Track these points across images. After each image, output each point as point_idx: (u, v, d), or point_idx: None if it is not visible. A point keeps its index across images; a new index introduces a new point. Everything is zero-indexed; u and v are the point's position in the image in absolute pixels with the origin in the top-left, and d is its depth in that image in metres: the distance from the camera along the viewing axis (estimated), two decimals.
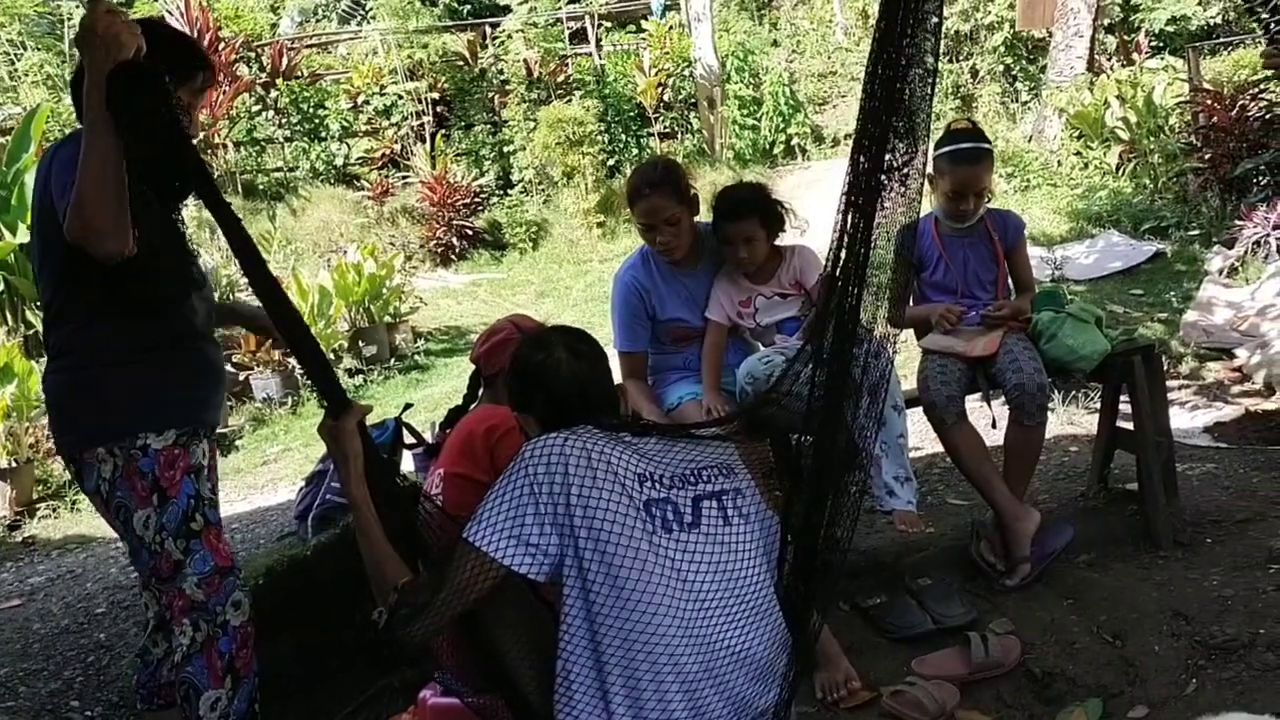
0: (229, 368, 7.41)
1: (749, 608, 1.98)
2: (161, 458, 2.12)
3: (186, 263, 2.25)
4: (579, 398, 2.09)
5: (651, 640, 1.88)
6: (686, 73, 13.70)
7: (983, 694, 2.94)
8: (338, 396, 2.10)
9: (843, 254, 2.06)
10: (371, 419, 2.19)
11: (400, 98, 13.39)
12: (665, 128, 13.77)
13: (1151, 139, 10.02)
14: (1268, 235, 7.30)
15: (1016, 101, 12.85)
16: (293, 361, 8.08)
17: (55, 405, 2.19)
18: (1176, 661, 2.86)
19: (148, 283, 2.13)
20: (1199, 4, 12.82)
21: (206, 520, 2.17)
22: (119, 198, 2.00)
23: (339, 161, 13.29)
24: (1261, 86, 9.16)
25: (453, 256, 12.00)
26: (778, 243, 3.30)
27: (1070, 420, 5.37)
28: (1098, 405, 4.64)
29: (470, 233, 12.16)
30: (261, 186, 12.51)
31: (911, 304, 3.62)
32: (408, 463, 3.63)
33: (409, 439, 3.84)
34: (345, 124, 13.49)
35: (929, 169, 3.32)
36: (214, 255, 9.40)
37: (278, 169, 12.96)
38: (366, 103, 13.44)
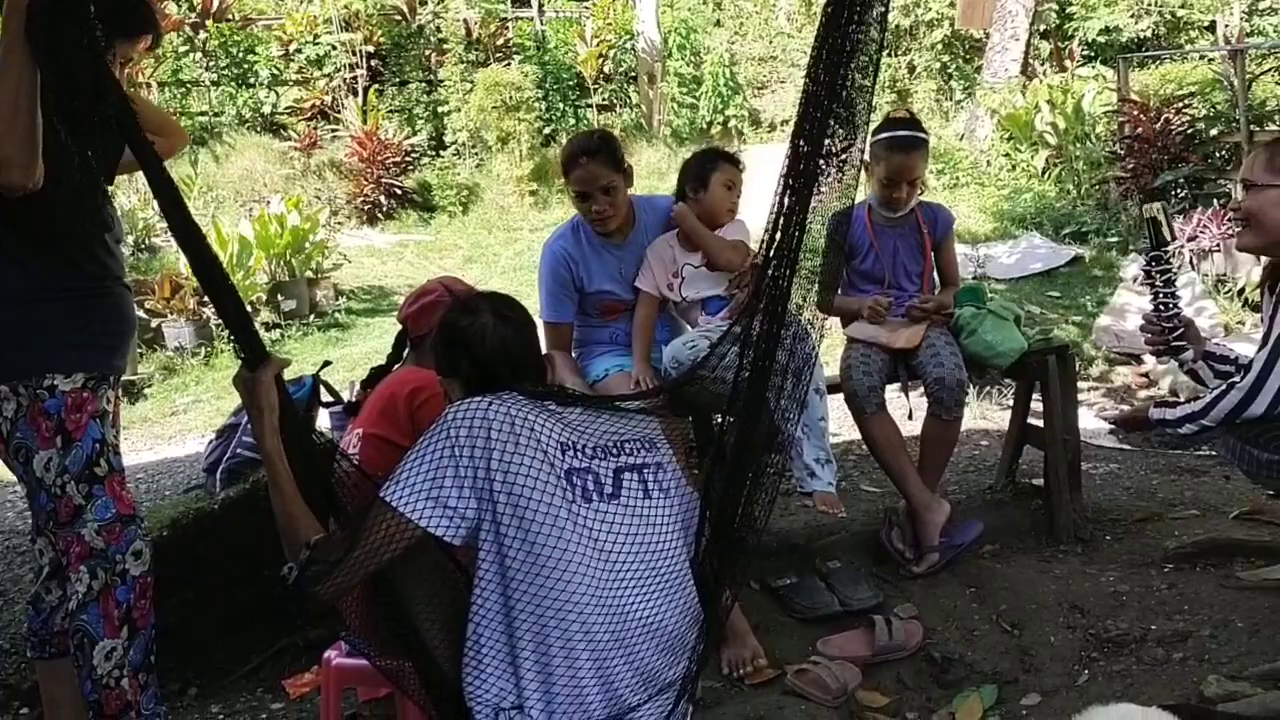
0: (140, 314, 7.20)
1: (663, 581, 1.99)
2: (69, 400, 2.05)
3: (100, 203, 2.17)
4: (504, 364, 2.07)
5: (564, 608, 1.88)
6: (628, 45, 13.62)
7: (883, 675, 3.00)
8: (255, 348, 2.05)
9: (777, 236, 2.06)
10: (289, 374, 2.14)
11: (334, 48, 13.07)
12: (604, 99, 13.68)
13: (1078, 145, 10.24)
14: (1182, 247, 7.53)
15: (950, 100, 13.03)
16: (207, 311, 7.88)
17: None
18: (1070, 652, 2.95)
19: (58, 221, 2.06)
20: (1131, 16, 13.11)
21: (110, 466, 2.11)
22: (29, 128, 1.92)
23: (266, 110, 12.93)
24: (1185, 101, 9.43)
25: (379, 215, 11.79)
26: None
27: (983, 415, 5.50)
28: (1010, 402, 4.76)
29: (399, 192, 11.96)
30: (185, 130, 12.15)
31: (840, 292, 3.65)
32: (324, 421, 3.57)
33: (326, 397, 3.78)
34: (275, 71, 13.14)
35: (866, 156, 3.35)
36: (130, 197, 9.12)
37: (202, 113, 12.58)
38: (299, 51, 13.09)
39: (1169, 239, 2.98)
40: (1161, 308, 3.04)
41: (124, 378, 2.30)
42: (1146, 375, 6.28)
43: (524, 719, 1.90)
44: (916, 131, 3.53)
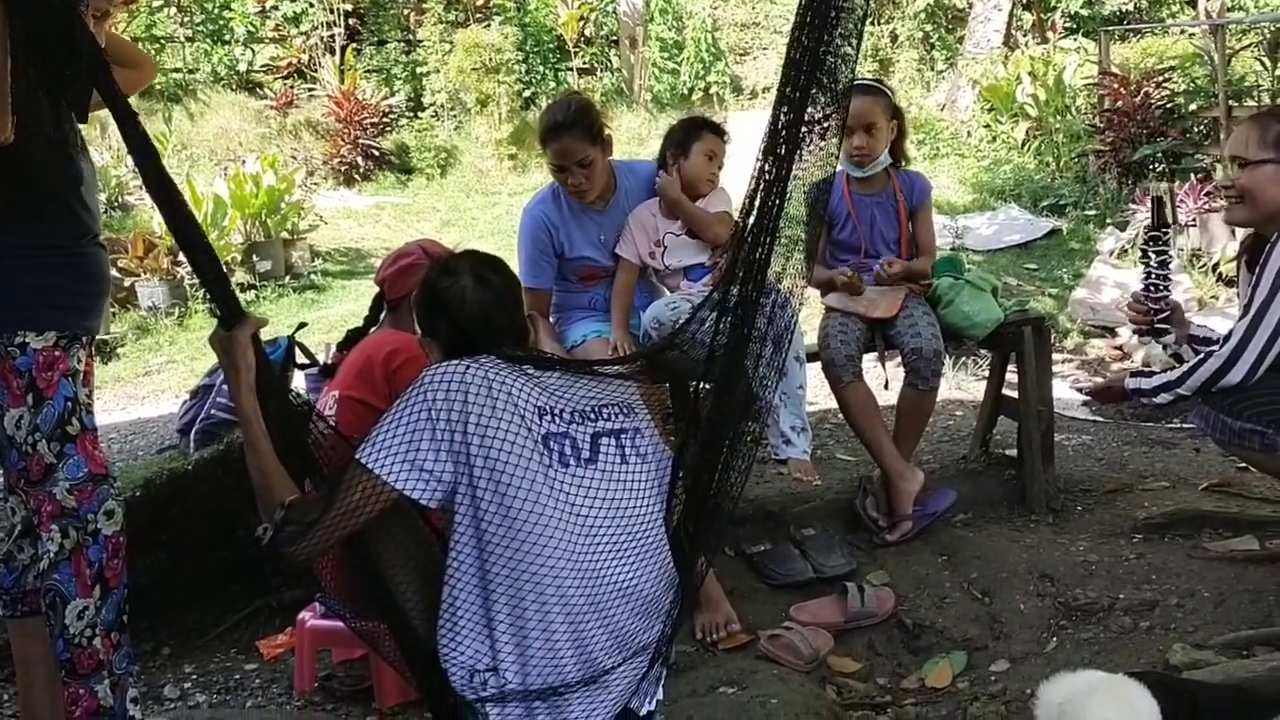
0: (114, 273, 7.12)
1: (639, 545, 2.00)
2: (40, 358, 2.02)
3: (73, 158, 2.13)
4: (483, 327, 2.06)
5: (540, 572, 1.89)
6: (610, 9, 13.49)
7: (855, 642, 3.03)
8: (232, 307, 2.03)
9: (757, 202, 2.06)
10: (264, 335, 2.12)
11: (311, 6, 12.88)
12: (584, 63, 13.55)
13: (1058, 118, 10.25)
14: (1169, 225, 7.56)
15: (932, 70, 12.98)
16: (181, 270, 7.80)
17: None
18: (1039, 620, 2.99)
19: (31, 176, 2.02)
20: None
21: (83, 425, 2.09)
22: (0, 80, 1.89)
23: (242, 67, 12.75)
24: (1165, 76, 9.45)
25: (356, 176, 11.67)
26: None
27: (958, 386, 5.53)
28: (985, 373, 4.79)
29: (376, 153, 11.83)
30: (158, 87, 11.92)
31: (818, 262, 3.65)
32: (299, 383, 3.55)
33: (302, 359, 3.75)
34: (251, 28, 12.94)
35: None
36: (103, 154, 8.98)
37: (176, 70, 12.38)
38: (275, 8, 12.89)
39: (1170, 221, 3.00)
40: (1152, 288, 3.06)
41: (97, 337, 2.27)
42: (1121, 348, 6.33)
43: (499, 680, 1.91)
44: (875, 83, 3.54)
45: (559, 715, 1.94)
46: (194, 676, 3.11)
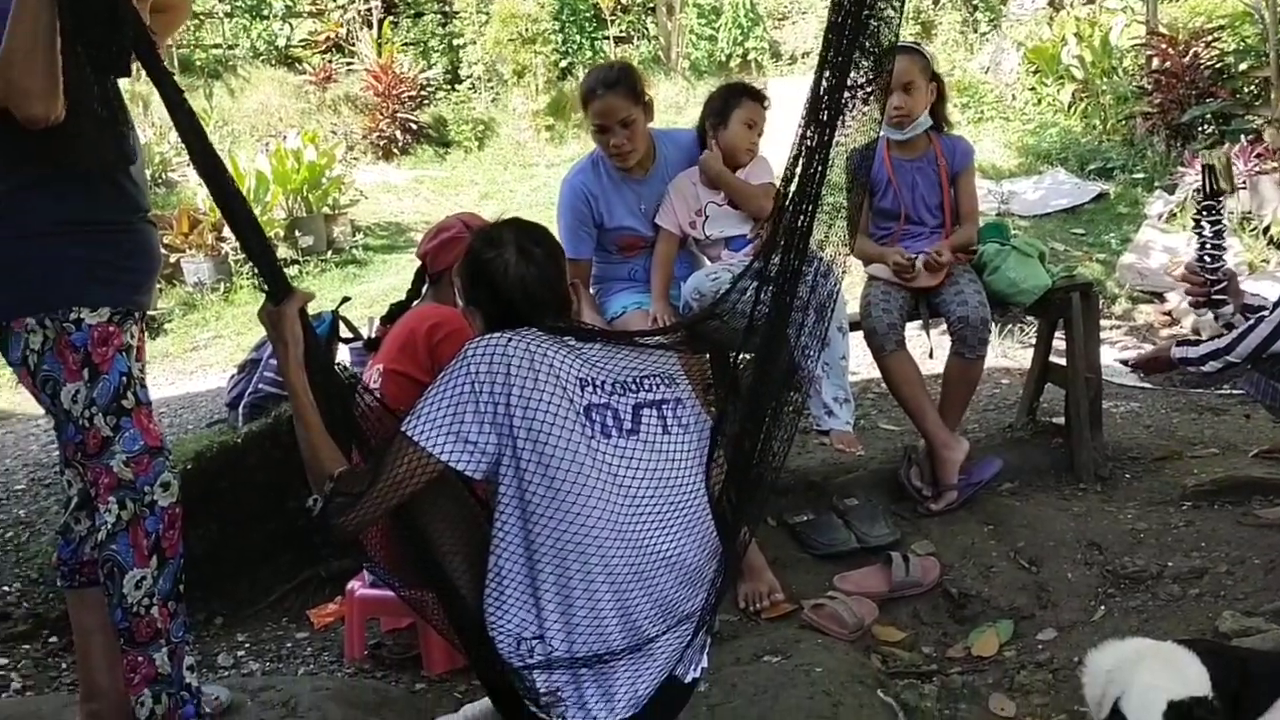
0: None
1: (682, 515, 2.00)
2: (95, 333, 2.05)
3: (123, 135, 2.16)
4: (524, 300, 2.06)
5: (584, 542, 1.90)
6: None
7: (900, 611, 3.03)
8: (279, 281, 2.04)
9: (799, 170, 2.03)
10: (309, 309, 2.14)
11: None
12: (621, 31, 13.47)
13: (1104, 79, 10.05)
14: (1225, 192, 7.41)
15: (975, 32, 12.75)
16: (226, 246, 7.89)
17: None
18: (1087, 589, 2.97)
19: (81, 153, 2.05)
20: None
21: (137, 399, 2.12)
22: (49, 59, 1.91)
23: (281, 42, 12.81)
24: (1215, 35, 9.22)
25: (395, 150, 11.71)
26: None
27: (1004, 354, 5.48)
28: (1031, 340, 4.74)
29: (414, 127, 11.86)
30: (199, 63, 12.04)
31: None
32: (344, 357, 3.58)
33: (346, 333, 3.79)
34: (289, 3, 12.98)
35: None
36: (145, 131, 9.08)
37: (216, 45, 12.47)
38: None
39: (1225, 189, 2.93)
40: (1207, 259, 3.01)
41: (146, 314, 2.30)
42: (1169, 314, 6.23)
43: (545, 648, 1.93)
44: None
45: (605, 682, 1.95)
46: (247, 645, 3.17)
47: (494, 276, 2.06)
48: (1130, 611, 2.83)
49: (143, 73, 1.97)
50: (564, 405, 1.92)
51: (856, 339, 3.49)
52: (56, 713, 2.45)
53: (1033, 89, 11.05)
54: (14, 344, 2.07)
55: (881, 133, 3.45)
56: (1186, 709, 1.95)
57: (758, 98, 3.32)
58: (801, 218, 2.01)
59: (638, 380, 2.05)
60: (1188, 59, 8.90)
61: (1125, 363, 3.66)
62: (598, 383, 1.99)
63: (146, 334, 2.33)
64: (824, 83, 2.00)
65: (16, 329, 2.05)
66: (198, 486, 3.23)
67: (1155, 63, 9.34)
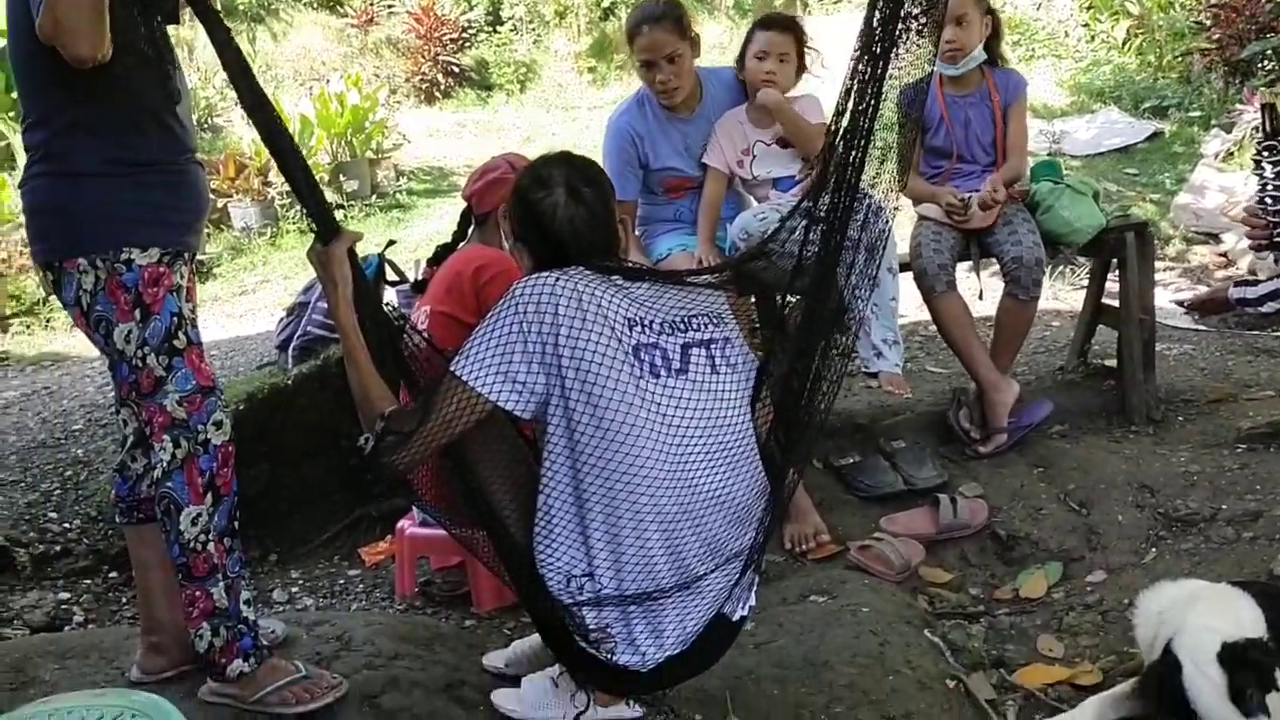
0: None
1: (731, 454, 2.00)
2: (145, 274, 2.07)
3: (169, 75, 2.16)
4: (572, 242, 2.05)
5: (633, 481, 1.90)
6: None
7: (947, 553, 3.02)
8: (328, 222, 2.05)
9: (850, 105, 1.99)
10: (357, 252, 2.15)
11: None
12: None
13: (1161, 14, 9.76)
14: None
15: None
16: (272, 191, 7.93)
17: (37, 212, 2.12)
18: (1138, 531, 2.94)
19: (129, 92, 2.05)
20: None
21: (189, 339, 2.14)
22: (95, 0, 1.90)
23: None
24: None
25: (437, 94, 11.66)
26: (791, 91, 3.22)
27: (1055, 295, 5.39)
28: (1083, 282, 4.66)
29: (456, 70, 11.79)
30: (241, 7, 12.00)
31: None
32: (390, 299, 3.61)
33: (392, 276, 3.80)
34: None
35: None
36: (191, 76, 9.10)
37: None
38: None
39: None
40: (1269, 200, 2.92)
41: (196, 257, 2.32)
42: (1225, 255, 6.09)
43: (594, 585, 1.94)
44: None
45: (654, 619, 1.97)
46: (300, 582, 3.24)
47: (542, 217, 2.05)
48: (1182, 554, 2.79)
49: (187, 17, 1.96)
50: (612, 345, 1.92)
51: (906, 280, 3.45)
52: (118, 645, 2.51)
53: (1086, 25, 10.75)
54: (67, 284, 2.10)
55: (935, 68, 3.40)
56: (1241, 650, 1.93)
57: (769, 25, 3.22)
58: (853, 154, 1.98)
59: (686, 320, 2.04)
60: None
61: (1181, 304, 3.60)
62: (646, 322, 1.99)
63: (196, 277, 2.35)
64: (877, 15, 1.96)
65: (69, 269, 2.08)
66: (250, 427, 3.28)
67: None
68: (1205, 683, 1.95)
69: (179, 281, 2.14)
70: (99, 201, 2.05)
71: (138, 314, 2.07)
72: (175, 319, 2.11)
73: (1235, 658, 1.94)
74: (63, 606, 3.08)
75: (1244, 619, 2.03)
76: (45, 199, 2.09)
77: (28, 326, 6.54)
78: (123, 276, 2.06)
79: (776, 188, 3.24)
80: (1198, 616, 2.06)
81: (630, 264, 2.21)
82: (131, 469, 2.31)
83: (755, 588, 2.15)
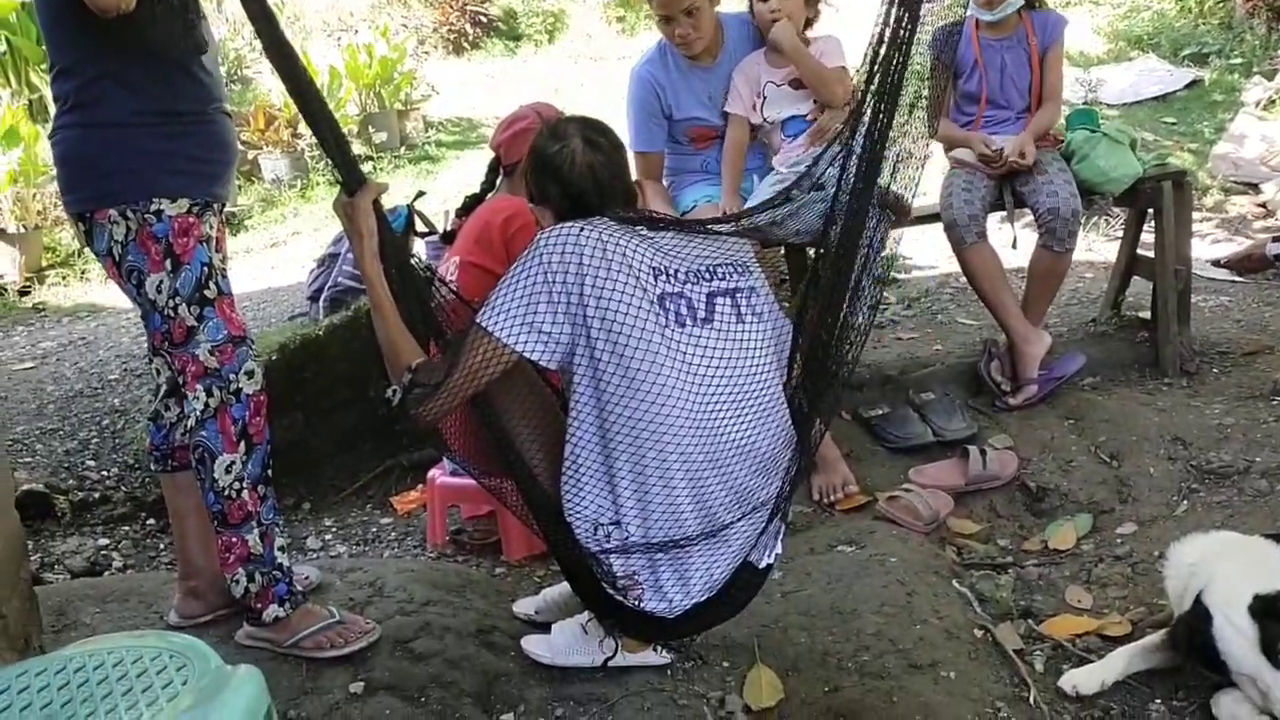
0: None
1: (757, 403, 2.00)
2: (175, 224, 2.08)
3: (194, 25, 2.15)
4: (594, 190, 2.04)
5: (659, 429, 1.91)
6: None
7: (976, 504, 3.02)
8: (354, 173, 2.05)
9: (882, 51, 1.96)
10: (384, 203, 2.15)
11: None
12: None
13: None
14: None
15: None
16: (301, 143, 7.94)
17: (66, 162, 2.13)
18: (1170, 483, 2.92)
19: (155, 42, 2.05)
20: None
21: (219, 289, 2.15)
22: None
23: None
24: None
25: (465, 44, 11.58)
26: (808, 32, 3.16)
27: (1088, 247, 5.32)
28: (1117, 233, 4.59)
29: (485, 20, 11.69)
30: None
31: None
32: (420, 250, 3.61)
33: (421, 227, 3.81)
34: None
35: None
36: (220, 28, 9.09)
37: None
38: None
39: None
40: None
41: (226, 209, 2.33)
42: (1264, 205, 5.98)
43: (621, 533, 1.96)
44: None
45: (680, 566, 1.98)
46: (333, 529, 3.28)
47: (561, 167, 2.04)
48: (1214, 507, 2.77)
49: None
50: (637, 294, 1.91)
51: (936, 230, 3.41)
52: (156, 589, 2.56)
53: None
54: (99, 235, 2.11)
55: (970, 12, 3.34)
56: (1272, 602, 1.92)
57: None
58: (884, 100, 1.95)
59: (711, 268, 2.03)
60: None
61: (1217, 262, 3.53)
62: (671, 271, 1.98)
63: (227, 229, 2.36)
64: None
65: (100, 220, 2.09)
66: (282, 377, 3.31)
67: None
68: (1236, 634, 1.94)
69: (208, 232, 2.15)
70: (128, 152, 2.06)
71: (168, 264, 2.09)
72: (206, 269, 2.13)
73: (1267, 609, 1.93)
74: (102, 552, 3.14)
75: (1276, 571, 2.02)
76: (74, 150, 2.11)
77: (64, 278, 6.62)
78: (153, 227, 2.07)
79: (784, 131, 3.16)
80: (1229, 568, 2.05)
81: (653, 213, 2.20)
82: (165, 417, 2.35)
83: (782, 536, 2.16)
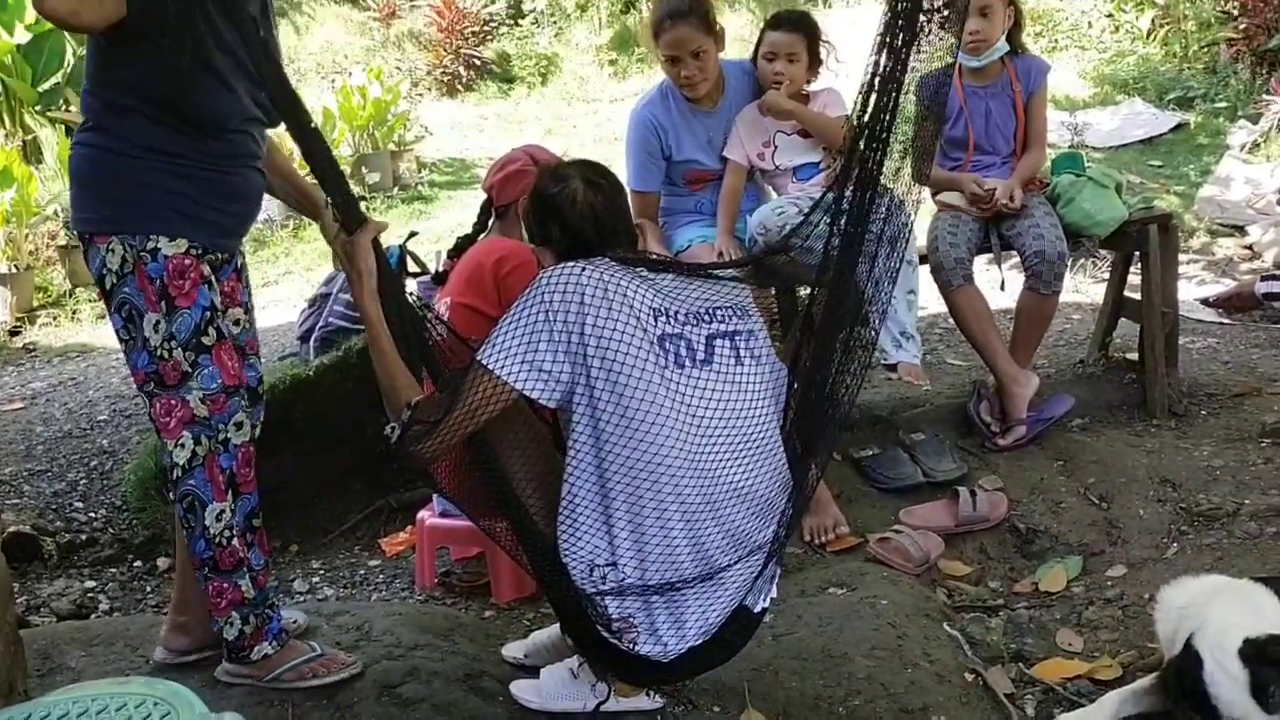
0: None
1: (754, 446, 2.00)
2: (170, 265, 2.06)
3: (240, 89, 2.12)
4: (594, 230, 2.06)
5: (657, 471, 1.91)
6: None
7: (966, 546, 3.02)
8: (353, 211, 2.06)
9: (871, 99, 1.99)
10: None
11: None
12: None
13: (1187, 4, 9.66)
14: None
15: None
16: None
17: (76, 180, 2.12)
18: (1159, 526, 2.93)
19: (180, 90, 2.03)
20: None
21: (219, 334, 2.14)
22: None
23: None
24: None
25: (459, 86, 11.69)
26: (809, 86, 3.21)
27: (1076, 288, 5.36)
28: (1104, 275, 4.63)
29: (478, 63, 11.81)
30: None
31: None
32: (411, 290, 3.61)
33: (413, 267, 3.82)
34: None
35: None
36: None
37: None
38: None
39: None
40: None
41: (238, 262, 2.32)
42: (1250, 247, 6.03)
43: (617, 575, 1.95)
44: None
45: (675, 610, 1.97)
46: (321, 572, 3.26)
47: (563, 207, 2.06)
48: (1204, 549, 2.78)
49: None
50: (637, 335, 1.92)
51: (924, 272, 3.44)
52: (143, 632, 2.54)
53: (1110, 15, 10.66)
54: (94, 258, 2.10)
55: (961, 61, 3.39)
56: (1263, 646, 1.92)
57: (777, 25, 3.21)
58: (875, 148, 1.97)
59: (710, 311, 2.04)
60: None
61: (1206, 301, 3.57)
62: (671, 312, 1.99)
63: (242, 279, 2.35)
64: (899, 5, 1.95)
65: (98, 244, 2.07)
66: (271, 418, 3.29)
67: None
68: (1226, 678, 1.94)
69: (208, 274, 2.14)
70: (136, 182, 2.05)
71: (163, 305, 2.08)
72: (207, 313, 2.11)
73: (1257, 653, 1.93)
74: (89, 594, 3.12)
75: (1267, 614, 2.02)
76: (85, 169, 2.10)
77: (55, 318, 6.61)
78: (148, 265, 2.06)
79: (797, 176, 3.24)
80: (1220, 611, 2.05)
81: (654, 255, 2.21)
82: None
83: (777, 580, 2.16)
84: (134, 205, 2.05)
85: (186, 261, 2.09)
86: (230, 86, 2.09)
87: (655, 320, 1.95)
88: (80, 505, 3.61)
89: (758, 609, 2.08)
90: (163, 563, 3.33)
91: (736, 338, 2.03)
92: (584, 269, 1.95)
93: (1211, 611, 2.06)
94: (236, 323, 2.26)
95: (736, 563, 2.00)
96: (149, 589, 3.18)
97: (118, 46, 1.99)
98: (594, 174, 2.11)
